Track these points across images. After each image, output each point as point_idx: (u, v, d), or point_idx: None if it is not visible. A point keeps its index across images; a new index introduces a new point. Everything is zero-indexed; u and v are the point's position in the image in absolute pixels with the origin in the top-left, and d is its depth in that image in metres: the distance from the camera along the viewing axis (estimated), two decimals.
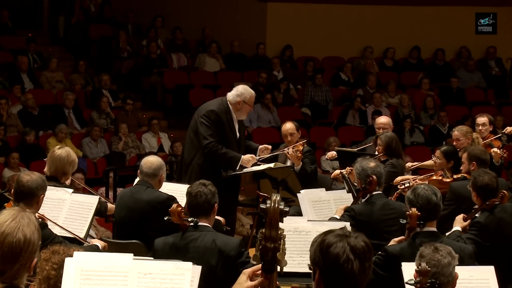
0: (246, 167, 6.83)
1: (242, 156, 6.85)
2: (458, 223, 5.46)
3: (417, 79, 14.75)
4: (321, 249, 2.61)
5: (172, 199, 5.50)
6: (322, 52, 14.85)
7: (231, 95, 6.98)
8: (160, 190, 5.89)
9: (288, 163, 7.42)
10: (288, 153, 7.34)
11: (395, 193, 6.52)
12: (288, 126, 7.62)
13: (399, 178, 6.78)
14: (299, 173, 7.28)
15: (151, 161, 5.80)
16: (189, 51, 14.38)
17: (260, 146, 7.21)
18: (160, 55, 13.82)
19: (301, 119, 12.80)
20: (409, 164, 7.41)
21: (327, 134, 12.36)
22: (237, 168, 6.80)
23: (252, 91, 7.09)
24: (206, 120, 6.80)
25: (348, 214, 5.44)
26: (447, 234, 5.34)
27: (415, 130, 13.05)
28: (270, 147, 7.26)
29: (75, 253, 3.53)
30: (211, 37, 14.43)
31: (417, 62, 15.13)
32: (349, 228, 4.68)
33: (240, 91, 6.96)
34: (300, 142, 7.48)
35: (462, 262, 4.13)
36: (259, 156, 7.09)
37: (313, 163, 7.60)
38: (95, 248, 5.03)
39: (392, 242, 4.79)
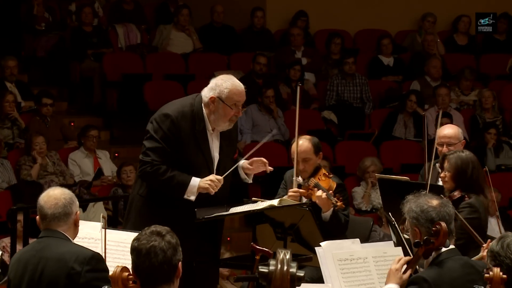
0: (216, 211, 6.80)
1: (195, 179, 6.76)
2: None
3: (507, 66, 14.80)
4: None
5: (100, 260, 5.50)
6: (355, 23, 14.91)
7: (204, 91, 7.01)
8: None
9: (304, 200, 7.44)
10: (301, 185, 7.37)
11: None
12: (302, 145, 7.52)
13: None
14: (329, 223, 7.34)
15: (55, 196, 5.71)
16: (144, 21, 14.41)
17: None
18: (97, 28, 13.84)
19: (322, 129, 12.82)
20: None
21: (363, 153, 12.35)
22: (185, 196, 6.76)
23: (238, 84, 6.97)
24: (154, 129, 6.84)
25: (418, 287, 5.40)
26: None
27: (503, 146, 13.06)
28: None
29: None
30: None
31: (507, 38, 15.19)
32: None
33: (215, 83, 6.98)
34: (327, 173, 7.47)
35: None
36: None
37: (346, 208, 7.58)
38: None
39: None
